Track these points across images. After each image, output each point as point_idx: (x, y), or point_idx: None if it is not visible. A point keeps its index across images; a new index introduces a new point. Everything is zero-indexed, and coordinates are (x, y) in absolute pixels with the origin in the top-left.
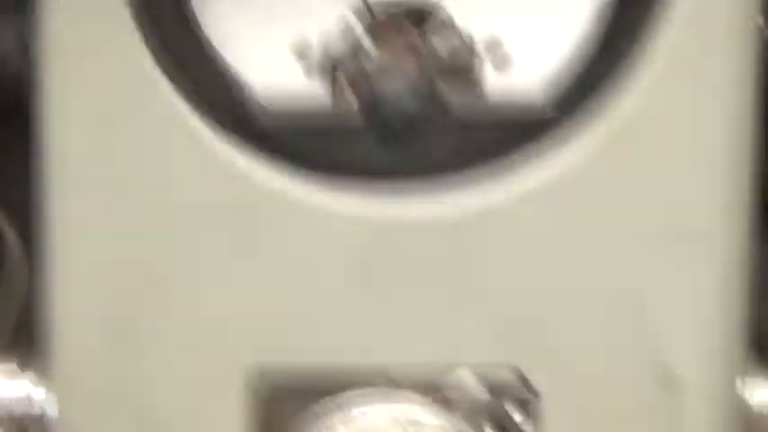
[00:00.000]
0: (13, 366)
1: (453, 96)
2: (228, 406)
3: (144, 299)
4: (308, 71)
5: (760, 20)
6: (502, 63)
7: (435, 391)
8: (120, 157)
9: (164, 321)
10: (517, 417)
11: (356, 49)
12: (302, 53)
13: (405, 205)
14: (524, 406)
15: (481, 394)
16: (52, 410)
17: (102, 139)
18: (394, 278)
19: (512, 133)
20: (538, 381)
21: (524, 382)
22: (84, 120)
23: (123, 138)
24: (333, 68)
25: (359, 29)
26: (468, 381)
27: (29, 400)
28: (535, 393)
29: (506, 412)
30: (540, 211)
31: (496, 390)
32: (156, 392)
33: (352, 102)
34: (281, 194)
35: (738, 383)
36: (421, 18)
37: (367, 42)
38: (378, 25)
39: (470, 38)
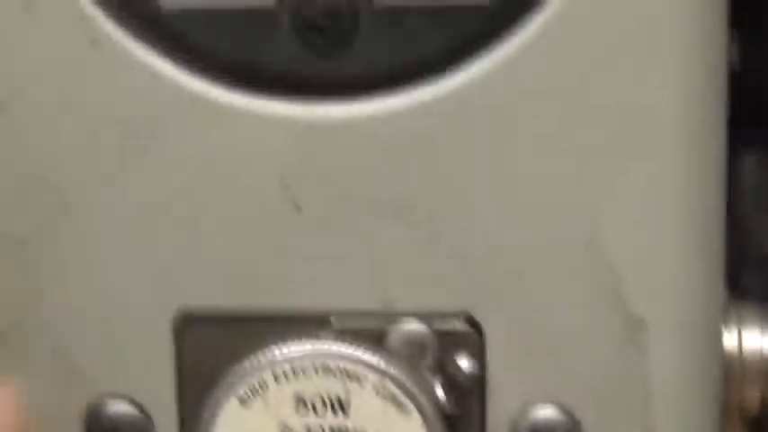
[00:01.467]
0: None
1: None
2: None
3: (42, 216)
4: None
5: None
6: None
7: (378, 342)
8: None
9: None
10: (465, 364)
11: None
12: None
13: (332, 107)
14: (471, 351)
15: (428, 342)
16: None
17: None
18: (325, 202)
19: (448, 23)
20: (484, 320)
21: (472, 325)
22: None
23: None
24: None
25: None
26: (414, 329)
27: None
28: (481, 333)
29: (453, 360)
30: (477, 116)
31: (443, 337)
32: (65, 334)
33: None
34: (194, 99)
35: (716, 324)
36: None
37: None
38: None
39: None
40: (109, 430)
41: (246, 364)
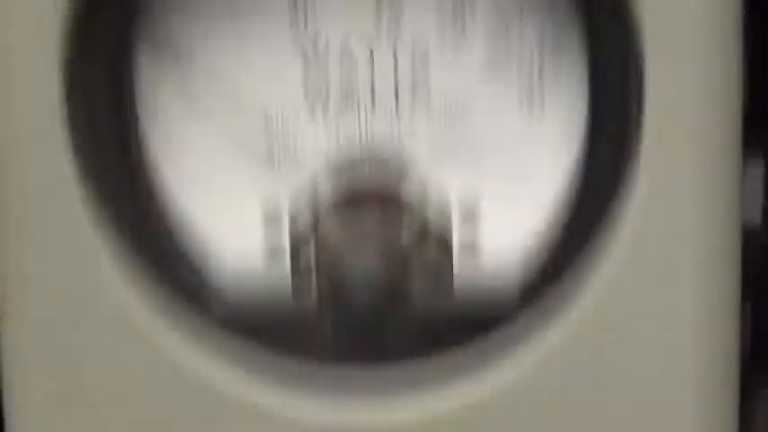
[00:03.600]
0: None
1: (417, 284)
2: None
3: None
4: (273, 251)
5: None
6: (469, 250)
7: None
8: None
9: None
10: None
11: (321, 229)
12: (269, 235)
13: (360, 408)
14: None
15: None
16: None
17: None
18: None
19: (476, 327)
20: None
21: None
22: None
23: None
24: (297, 250)
25: (325, 208)
26: None
27: None
28: None
29: None
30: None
31: None
32: None
33: (314, 286)
34: (238, 400)
35: None
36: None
37: (331, 224)
38: (348, 203)
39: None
40: None
41: None
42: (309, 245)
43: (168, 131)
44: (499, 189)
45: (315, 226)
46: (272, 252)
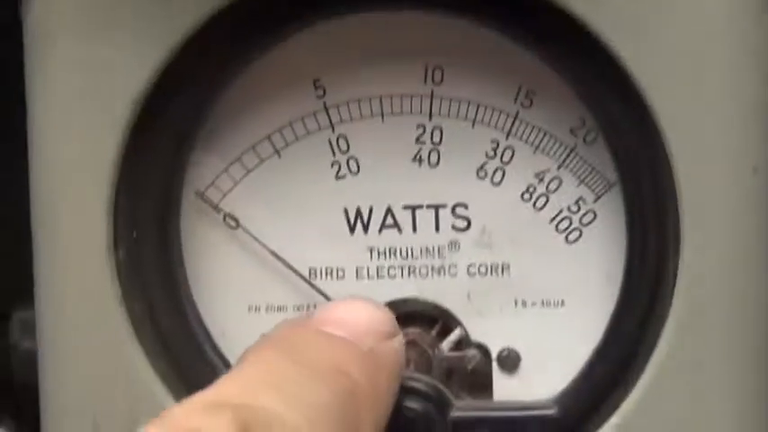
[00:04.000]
0: None
1: (458, 396)
2: None
3: None
4: None
5: None
6: (511, 367)
7: None
8: None
9: None
10: None
11: None
12: None
13: None
14: None
15: None
16: None
17: None
18: None
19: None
20: None
21: None
22: None
23: None
24: None
25: None
26: None
27: None
28: None
29: None
30: None
31: None
32: None
33: None
34: None
35: None
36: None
37: None
38: None
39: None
40: None
41: None
42: None
43: (211, 271)
44: (539, 321)
45: None
46: None
